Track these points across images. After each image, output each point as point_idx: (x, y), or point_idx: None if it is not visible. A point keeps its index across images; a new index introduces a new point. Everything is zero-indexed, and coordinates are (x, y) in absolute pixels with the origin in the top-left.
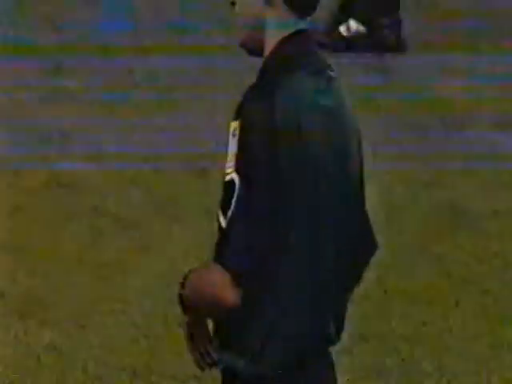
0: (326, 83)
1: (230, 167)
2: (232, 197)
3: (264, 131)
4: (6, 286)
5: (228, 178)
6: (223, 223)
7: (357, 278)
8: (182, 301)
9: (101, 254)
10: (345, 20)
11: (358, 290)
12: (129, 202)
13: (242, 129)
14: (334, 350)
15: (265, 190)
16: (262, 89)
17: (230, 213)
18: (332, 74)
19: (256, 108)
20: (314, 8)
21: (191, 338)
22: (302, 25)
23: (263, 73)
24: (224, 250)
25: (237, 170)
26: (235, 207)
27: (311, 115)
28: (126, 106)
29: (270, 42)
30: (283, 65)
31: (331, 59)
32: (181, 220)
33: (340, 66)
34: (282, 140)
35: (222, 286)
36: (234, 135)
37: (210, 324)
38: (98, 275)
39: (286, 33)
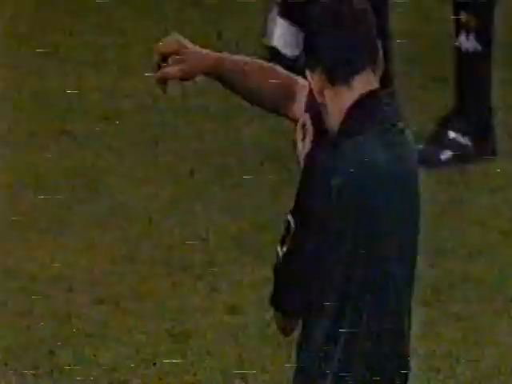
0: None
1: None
2: (287, 235)
3: (324, 185)
4: None
5: (288, 217)
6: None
7: None
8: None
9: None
10: None
11: None
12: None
13: (303, 174)
14: None
15: (316, 237)
16: (330, 145)
17: (284, 249)
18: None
19: (319, 161)
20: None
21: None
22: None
23: (339, 132)
24: (278, 287)
25: (293, 211)
26: (290, 245)
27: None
28: None
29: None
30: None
31: None
32: None
33: None
34: (339, 195)
35: (277, 323)
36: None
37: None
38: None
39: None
